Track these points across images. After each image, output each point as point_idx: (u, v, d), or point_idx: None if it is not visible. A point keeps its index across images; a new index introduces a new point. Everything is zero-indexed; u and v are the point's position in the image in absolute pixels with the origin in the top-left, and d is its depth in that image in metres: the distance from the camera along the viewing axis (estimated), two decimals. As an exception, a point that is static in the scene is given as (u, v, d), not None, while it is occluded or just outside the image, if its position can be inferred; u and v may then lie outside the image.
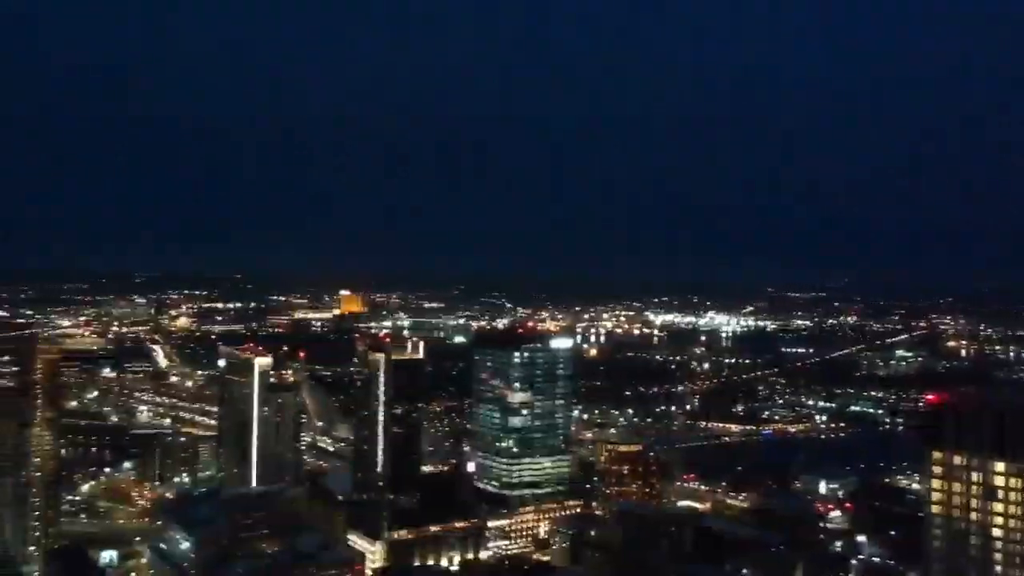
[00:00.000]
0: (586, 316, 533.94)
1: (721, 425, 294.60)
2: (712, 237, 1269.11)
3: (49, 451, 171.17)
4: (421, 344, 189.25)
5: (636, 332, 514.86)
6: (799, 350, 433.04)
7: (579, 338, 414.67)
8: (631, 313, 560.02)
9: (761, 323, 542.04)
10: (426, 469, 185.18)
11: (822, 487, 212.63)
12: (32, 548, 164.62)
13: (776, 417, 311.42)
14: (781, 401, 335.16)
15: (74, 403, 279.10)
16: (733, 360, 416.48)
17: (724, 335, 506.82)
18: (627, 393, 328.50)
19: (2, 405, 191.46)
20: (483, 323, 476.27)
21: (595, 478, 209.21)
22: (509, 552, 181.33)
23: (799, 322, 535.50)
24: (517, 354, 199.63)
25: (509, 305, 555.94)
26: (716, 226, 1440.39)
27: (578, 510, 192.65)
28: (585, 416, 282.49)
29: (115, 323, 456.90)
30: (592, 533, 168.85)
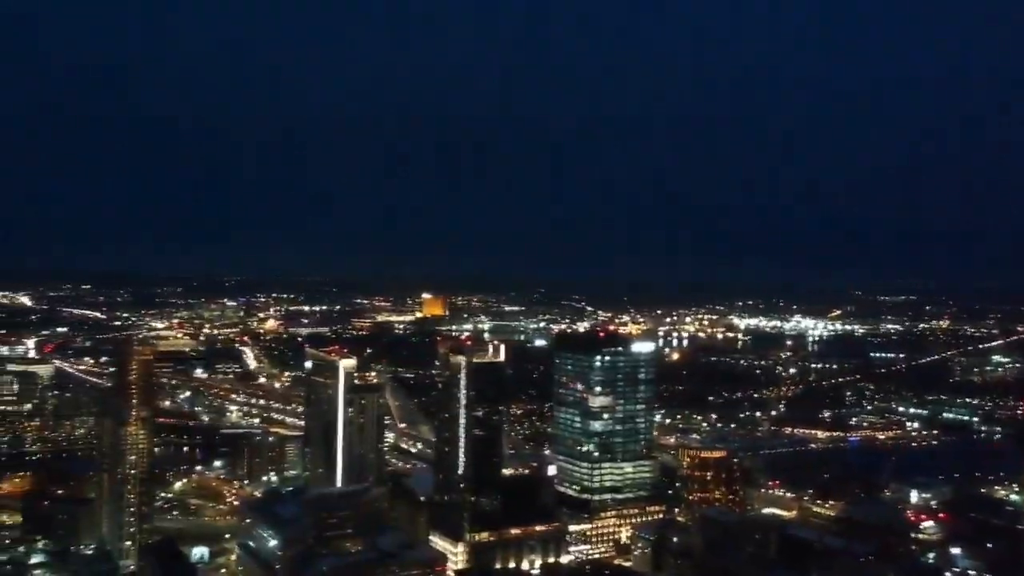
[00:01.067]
0: (668, 319, 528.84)
1: (807, 431, 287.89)
2: (797, 241, 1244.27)
3: (144, 449, 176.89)
4: (502, 347, 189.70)
5: (720, 336, 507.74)
6: (889, 355, 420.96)
7: (661, 341, 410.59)
8: (714, 316, 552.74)
9: (849, 327, 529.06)
10: (507, 472, 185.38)
11: (913, 496, 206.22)
12: (128, 543, 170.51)
13: (864, 423, 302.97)
14: (870, 407, 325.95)
15: (167, 402, 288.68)
16: (819, 365, 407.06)
17: (810, 339, 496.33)
18: (710, 398, 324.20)
19: (101, 404, 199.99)
20: (564, 326, 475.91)
21: (677, 484, 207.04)
22: (590, 557, 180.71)
23: (889, 326, 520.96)
24: (598, 357, 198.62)
25: (590, 308, 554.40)
26: (802, 230, 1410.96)
27: (660, 516, 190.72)
28: (667, 421, 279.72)
29: (206, 325, 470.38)
30: (674, 539, 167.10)
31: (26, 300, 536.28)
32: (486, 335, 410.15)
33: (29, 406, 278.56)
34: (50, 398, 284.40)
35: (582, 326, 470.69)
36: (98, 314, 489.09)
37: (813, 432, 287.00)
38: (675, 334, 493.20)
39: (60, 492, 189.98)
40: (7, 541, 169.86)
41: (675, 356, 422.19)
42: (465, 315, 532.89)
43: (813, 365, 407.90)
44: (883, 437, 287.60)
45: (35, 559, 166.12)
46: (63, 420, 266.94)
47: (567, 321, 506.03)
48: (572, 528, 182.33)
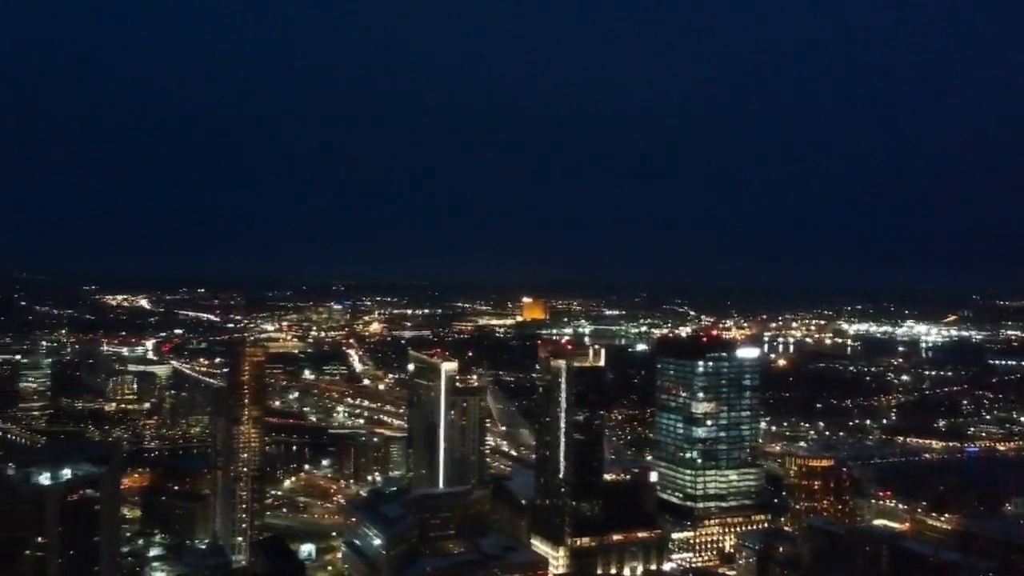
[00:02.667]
0: (773, 324, 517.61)
1: (921, 441, 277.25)
2: (909, 245, 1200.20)
3: (255, 447, 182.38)
4: (602, 351, 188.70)
5: (828, 341, 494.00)
6: (1010, 362, 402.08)
7: (766, 347, 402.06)
8: (822, 321, 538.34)
9: (965, 333, 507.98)
10: (608, 477, 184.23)
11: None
12: (239, 539, 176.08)
13: (983, 434, 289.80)
14: (989, 417, 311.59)
15: (277, 403, 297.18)
16: (934, 372, 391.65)
17: (924, 345, 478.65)
18: (818, 405, 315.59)
19: (216, 403, 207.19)
20: (665, 330, 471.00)
21: (783, 492, 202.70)
22: (693, 565, 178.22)
23: (1009, 332, 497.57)
24: (701, 363, 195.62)
25: (692, 313, 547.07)
26: (915, 234, 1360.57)
27: (765, 525, 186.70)
28: (773, 428, 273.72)
29: (314, 328, 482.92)
30: (780, 549, 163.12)
31: (145, 303, 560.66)
32: (586, 339, 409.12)
33: (148, 405, 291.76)
34: (167, 397, 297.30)
35: (684, 330, 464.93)
36: (212, 317, 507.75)
37: (927, 442, 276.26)
38: (781, 339, 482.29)
39: (177, 488, 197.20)
40: (128, 534, 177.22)
41: (781, 362, 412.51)
42: (565, 319, 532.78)
43: (927, 372, 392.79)
44: (1004, 448, 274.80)
45: (153, 552, 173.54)
46: (179, 418, 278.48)
47: (669, 325, 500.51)
48: (674, 535, 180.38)
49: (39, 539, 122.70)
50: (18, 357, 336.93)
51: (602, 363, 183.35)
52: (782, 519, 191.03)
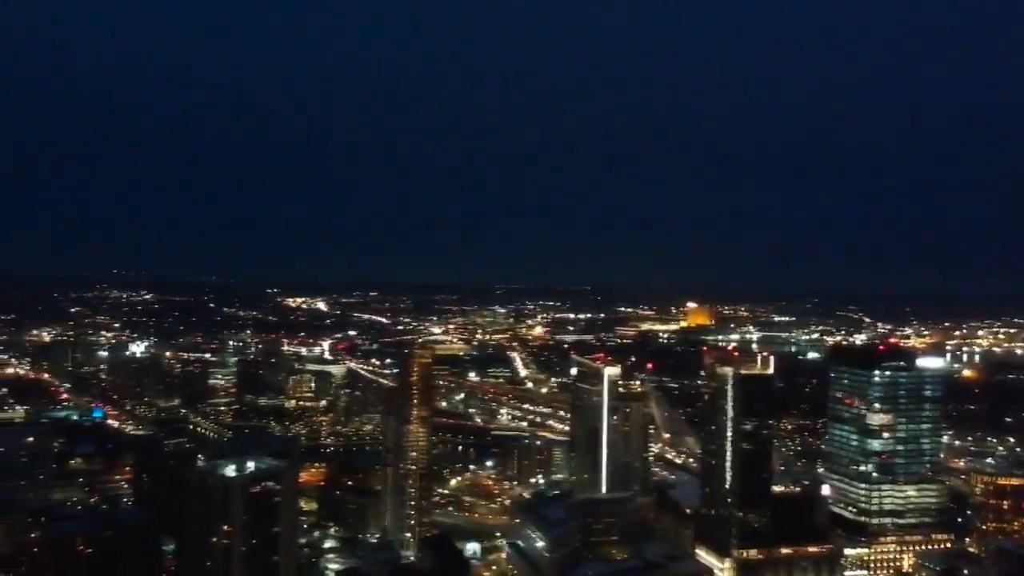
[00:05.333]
0: (957, 333, 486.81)
1: None
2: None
3: (423, 446, 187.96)
4: (771, 358, 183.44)
5: (1019, 351, 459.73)
6: None
7: (949, 356, 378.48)
8: (1012, 330, 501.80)
9: None
10: (776, 488, 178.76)
11: None
12: (408, 535, 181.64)
13: None
14: None
15: (444, 403, 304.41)
16: None
17: None
18: (1007, 419, 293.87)
19: (387, 402, 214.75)
20: (839, 338, 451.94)
21: (968, 511, 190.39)
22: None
23: None
24: (878, 372, 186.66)
25: (868, 320, 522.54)
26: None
27: (947, 545, 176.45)
28: (956, 443, 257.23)
29: (478, 331, 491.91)
30: (964, 572, 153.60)
31: (322, 306, 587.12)
32: (754, 346, 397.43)
33: (324, 403, 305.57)
34: (342, 396, 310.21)
35: (859, 338, 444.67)
36: (383, 319, 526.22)
37: None
38: (966, 349, 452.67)
39: (350, 483, 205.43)
40: (304, 526, 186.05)
41: (966, 372, 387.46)
42: (731, 325, 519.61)
43: None
44: None
45: (328, 544, 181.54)
46: (353, 416, 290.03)
47: (842, 333, 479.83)
48: (847, 551, 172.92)
49: (225, 527, 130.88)
50: (208, 355, 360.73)
51: (771, 371, 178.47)
52: (966, 540, 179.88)
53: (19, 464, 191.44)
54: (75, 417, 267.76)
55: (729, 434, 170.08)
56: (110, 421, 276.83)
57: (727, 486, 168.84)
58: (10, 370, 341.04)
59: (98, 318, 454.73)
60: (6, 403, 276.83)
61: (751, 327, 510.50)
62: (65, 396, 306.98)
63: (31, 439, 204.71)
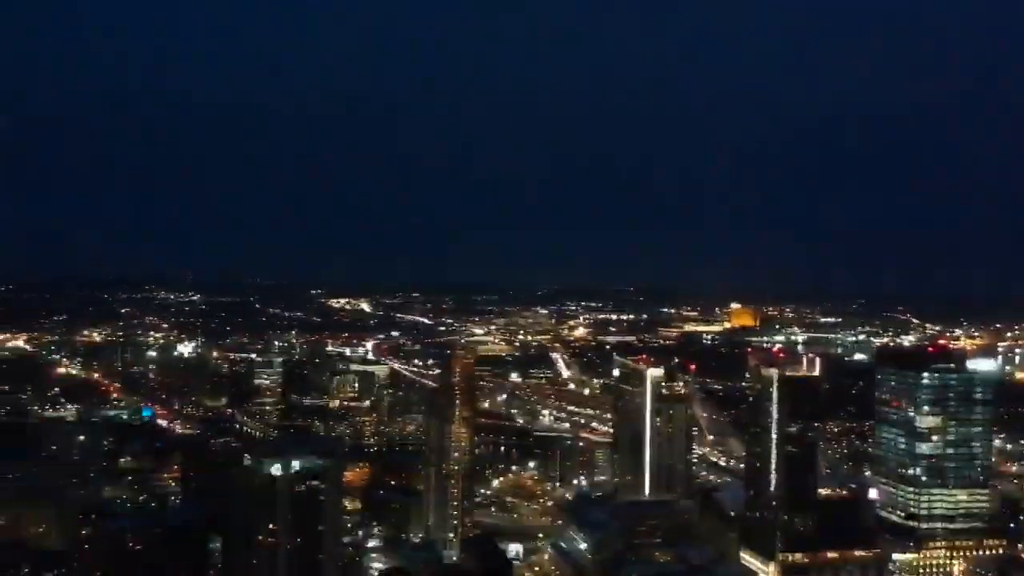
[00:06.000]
0: (1009, 334, 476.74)
1: None
2: None
3: (466, 447, 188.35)
4: (816, 360, 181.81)
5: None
6: None
7: (1000, 359, 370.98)
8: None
9: None
10: (822, 492, 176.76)
11: None
12: (451, 535, 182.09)
13: None
14: None
15: (486, 404, 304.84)
16: None
17: None
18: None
19: (429, 403, 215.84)
20: (886, 340, 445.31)
21: (1021, 517, 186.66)
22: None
23: None
24: (926, 374, 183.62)
25: (916, 321, 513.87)
26: None
27: (999, 551, 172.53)
28: (1009, 447, 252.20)
29: (520, 332, 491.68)
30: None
31: (365, 306, 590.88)
32: (799, 348, 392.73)
33: (367, 403, 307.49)
34: (385, 396, 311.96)
35: (907, 340, 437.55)
36: (425, 320, 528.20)
37: None
38: (1018, 351, 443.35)
39: (393, 483, 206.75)
40: (348, 525, 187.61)
41: (1018, 375, 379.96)
42: (776, 326, 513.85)
43: None
44: None
45: (371, 543, 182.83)
46: (395, 417, 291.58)
47: (890, 334, 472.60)
48: (895, 556, 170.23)
49: (271, 525, 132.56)
50: (254, 356, 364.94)
51: (816, 372, 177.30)
52: (1019, 546, 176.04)
53: (71, 462, 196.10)
54: (125, 416, 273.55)
55: (774, 437, 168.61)
56: (159, 420, 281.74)
57: (772, 489, 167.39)
58: (62, 370, 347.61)
59: (147, 319, 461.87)
60: (58, 402, 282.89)
61: (796, 328, 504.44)
62: (115, 395, 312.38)
63: (82, 438, 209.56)
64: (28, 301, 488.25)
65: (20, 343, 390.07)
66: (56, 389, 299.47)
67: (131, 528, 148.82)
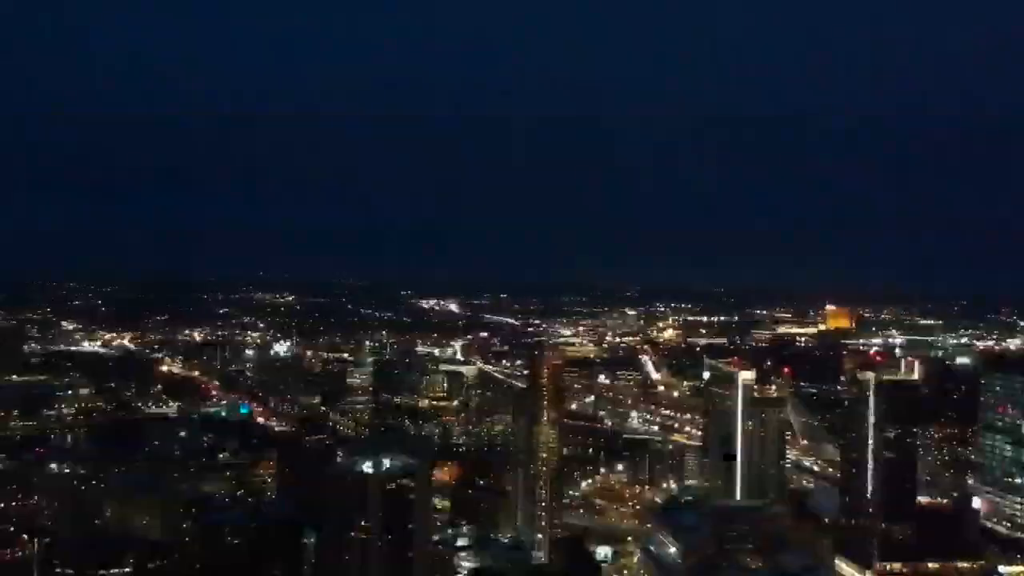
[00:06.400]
0: None
1: None
2: None
3: (553, 448, 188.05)
4: (916, 364, 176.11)
5: None
6: None
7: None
8: None
9: None
10: (922, 500, 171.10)
11: None
12: (539, 536, 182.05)
13: None
14: None
15: (574, 405, 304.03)
16: None
17: None
18: None
19: (517, 403, 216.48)
20: (990, 343, 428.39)
21: None
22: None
23: None
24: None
25: (1022, 324, 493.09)
26: None
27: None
28: None
29: (608, 333, 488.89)
30: None
31: (454, 307, 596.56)
32: (897, 351, 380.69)
33: (456, 403, 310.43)
34: (473, 396, 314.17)
35: (1013, 343, 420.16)
36: (512, 320, 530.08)
37: None
38: None
39: (482, 483, 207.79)
40: (438, 524, 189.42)
41: None
42: (873, 328, 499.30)
43: None
44: None
45: (460, 542, 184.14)
46: (484, 417, 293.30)
47: (994, 337, 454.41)
48: (1002, 569, 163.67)
49: (362, 522, 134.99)
50: (346, 355, 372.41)
51: (915, 376, 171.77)
52: None
53: (173, 457, 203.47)
54: (223, 413, 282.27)
55: (871, 442, 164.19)
56: (256, 418, 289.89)
57: (868, 496, 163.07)
58: (164, 368, 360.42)
59: (244, 319, 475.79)
60: (161, 399, 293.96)
61: (894, 331, 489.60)
62: (214, 393, 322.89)
63: (183, 433, 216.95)
64: (132, 302, 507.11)
65: (125, 342, 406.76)
66: (159, 386, 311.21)
67: (229, 521, 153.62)
